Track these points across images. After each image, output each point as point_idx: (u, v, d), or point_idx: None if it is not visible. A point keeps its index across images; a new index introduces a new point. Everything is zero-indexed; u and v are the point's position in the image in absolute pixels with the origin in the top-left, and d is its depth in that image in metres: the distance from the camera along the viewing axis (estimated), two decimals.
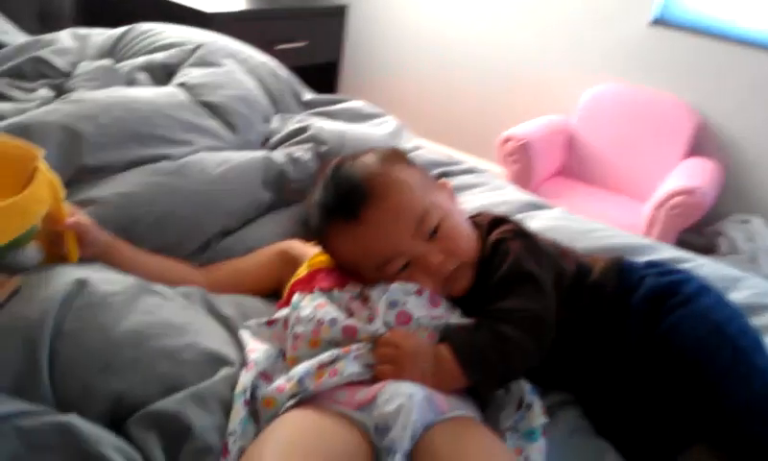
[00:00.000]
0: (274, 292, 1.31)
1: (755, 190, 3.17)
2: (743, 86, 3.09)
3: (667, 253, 1.57)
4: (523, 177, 3.10)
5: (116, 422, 0.91)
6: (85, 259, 1.12)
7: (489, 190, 1.82)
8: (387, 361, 0.98)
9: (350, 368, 0.97)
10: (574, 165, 3.41)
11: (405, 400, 0.91)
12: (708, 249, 3.01)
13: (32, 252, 1.09)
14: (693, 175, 2.88)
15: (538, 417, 1.00)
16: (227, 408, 0.93)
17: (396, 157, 1.18)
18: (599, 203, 3.13)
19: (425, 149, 2.00)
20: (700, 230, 3.13)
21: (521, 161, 3.11)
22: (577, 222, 1.67)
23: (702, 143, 3.18)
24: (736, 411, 0.97)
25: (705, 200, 2.74)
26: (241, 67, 1.90)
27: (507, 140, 3.14)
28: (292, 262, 1.29)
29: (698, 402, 1.00)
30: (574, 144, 3.40)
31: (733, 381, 0.98)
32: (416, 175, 1.15)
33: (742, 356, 1.00)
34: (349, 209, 1.09)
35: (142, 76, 1.76)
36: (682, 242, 2.68)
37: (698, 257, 1.58)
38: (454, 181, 1.80)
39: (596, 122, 3.34)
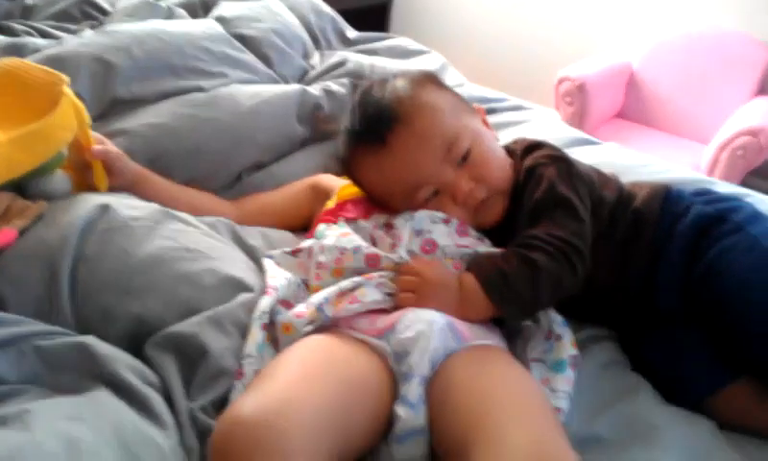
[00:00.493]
0: (305, 226, 1.29)
1: None
2: None
3: (724, 188, 1.47)
4: (579, 119, 2.98)
5: (135, 345, 0.91)
6: (114, 189, 1.12)
7: (535, 126, 1.75)
8: (409, 289, 0.96)
9: (371, 295, 0.94)
10: (635, 107, 3.25)
11: (425, 327, 0.88)
12: None
13: (60, 181, 1.10)
14: (759, 114, 2.70)
15: (567, 348, 0.96)
16: (244, 332, 0.92)
17: (427, 79, 1.13)
18: (659, 145, 2.98)
19: (469, 85, 1.93)
20: (767, 174, 2.96)
21: (577, 103, 2.99)
22: (628, 156, 1.59)
23: None
24: None
25: None
26: (281, 2, 1.86)
27: (562, 81, 3.02)
28: (323, 195, 1.27)
29: (743, 335, 0.94)
30: (635, 85, 3.23)
31: None
32: (447, 98, 1.10)
33: None
34: (375, 134, 1.05)
35: (181, 12, 1.74)
36: (746, 186, 2.54)
37: (756, 194, 1.48)
38: (499, 118, 1.74)
39: (660, 61, 3.17)
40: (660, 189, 1.09)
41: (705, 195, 1.09)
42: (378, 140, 1.05)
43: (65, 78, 1.08)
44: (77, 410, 0.74)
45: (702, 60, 3.06)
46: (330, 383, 0.78)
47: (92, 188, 1.11)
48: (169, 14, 1.72)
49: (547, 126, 1.76)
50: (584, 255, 0.96)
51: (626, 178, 1.22)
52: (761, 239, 0.97)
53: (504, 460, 0.70)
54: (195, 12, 1.78)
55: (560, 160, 1.06)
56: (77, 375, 0.81)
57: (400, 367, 0.87)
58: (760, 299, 0.93)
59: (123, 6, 1.73)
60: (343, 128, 1.14)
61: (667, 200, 1.07)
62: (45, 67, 1.11)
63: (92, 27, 1.69)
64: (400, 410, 0.83)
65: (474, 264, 1.00)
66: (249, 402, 0.69)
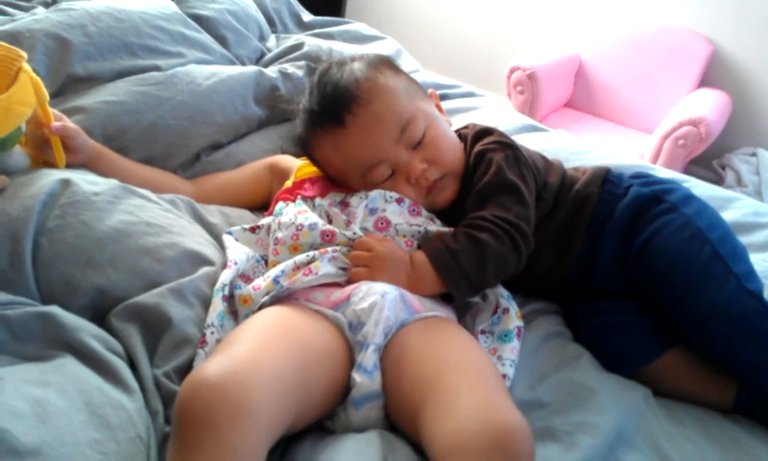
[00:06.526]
0: (263, 205, 1.32)
1: (764, 122, 3.11)
2: (757, 17, 3.00)
3: (662, 174, 1.55)
4: (530, 107, 3.07)
5: (98, 316, 0.93)
6: (72, 166, 1.13)
7: (486, 113, 1.80)
8: (361, 264, 1.00)
9: (325, 268, 0.98)
10: (583, 97, 3.36)
11: (378, 298, 0.92)
12: (714, 182, 2.98)
13: (18, 156, 1.10)
14: (700, 105, 2.83)
15: (513, 320, 1.01)
16: (206, 304, 0.95)
17: (384, 63, 1.16)
18: (606, 134, 3.10)
19: (424, 72, 1.98)
20: (707, 164, 3.10)
21: (528, 92, 3.07)
22: (573, 143, 1.65)
23: (713, 75, 3.11)
24: (710, 314, 0.97)
25: (710, 131, 2.70)
26: None
27: (514, 70, 3.10)
28: (281, 175, 1.30)
29: (674, 306, 1.01)
30: (583, 76, 3.34)
31: (709, 284, 0.98)
32: (402, 82, 1.14)
33: (721, 261, 1.00)
34: (334, 114, 1.09)
35: None
36: (688, 175, 2.65)
37: (691, 179, 1.57)
38: (452, 104, 1.79)
39: (607, 53, 3.27)
40: (600, 172, 1.16)
41: (642, 178, 1.16)
42: (336, 121, 1.08)
43: (23, 54, 1.08)
44: (43, 376, 0.76)
45: (646, 53, 3.17)
46: (290, 348, 0.82)
47: (49, 165, 1.12)
48: None
49: (498, 113, 1.81)
50: (528, 237, 1.02)
51: (571, 163, 1.28)
52: (694, 218, 1.04)
53: (457, 421, 0.74)
54: None
55: (507, 147, 1.11)
56: (42, 343, 0.82)
57: (355, 336, 0.92)
58: (692, 272, 1.00)
59: None
60: (301, 108, 1.17)
61: (607, 182, 1.14)
62: (2, 43, 1.10)
63: (45, 5, 1.68)
64: (357, 376, 0.87)
65: (425, 242, 1.05)
66: (213, 364, 0.72)
